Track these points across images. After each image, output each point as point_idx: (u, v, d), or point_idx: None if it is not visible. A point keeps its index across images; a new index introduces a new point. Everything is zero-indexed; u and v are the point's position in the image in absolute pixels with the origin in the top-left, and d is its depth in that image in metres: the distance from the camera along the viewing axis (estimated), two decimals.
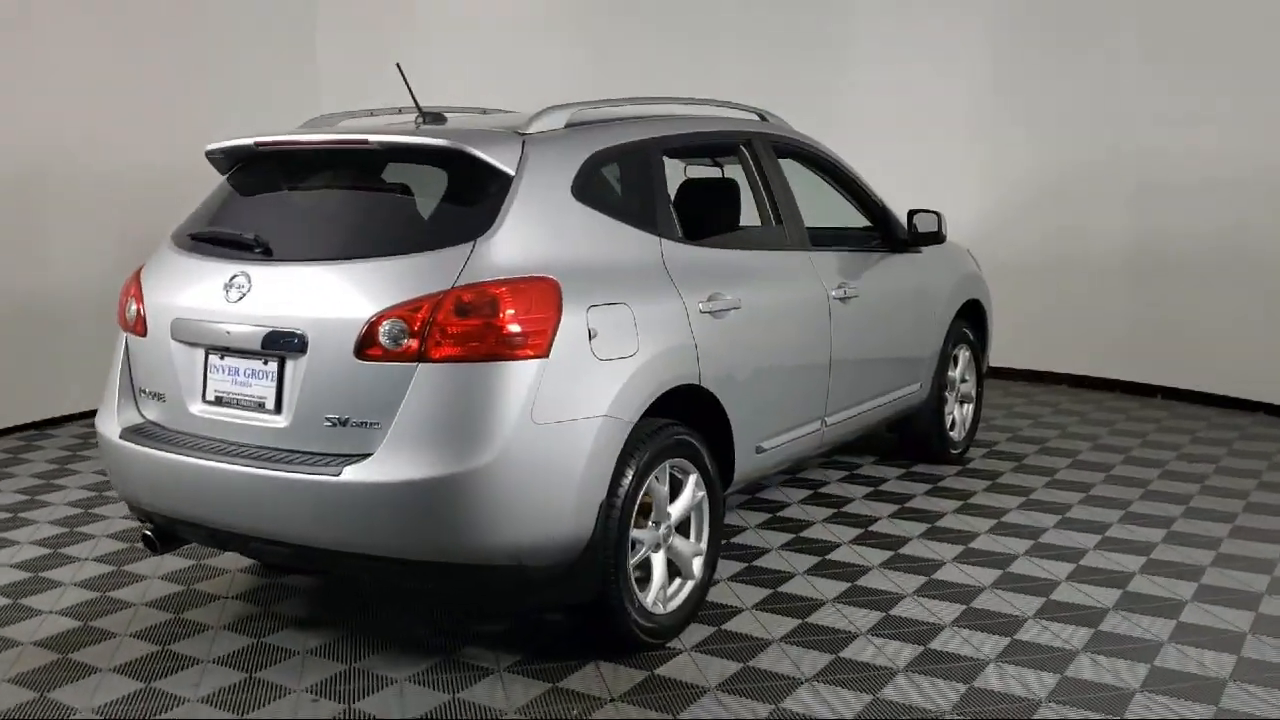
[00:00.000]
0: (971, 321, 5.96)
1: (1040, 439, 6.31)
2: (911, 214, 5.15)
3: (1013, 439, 6.31)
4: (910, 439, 5.72)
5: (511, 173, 3.31)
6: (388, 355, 3.07)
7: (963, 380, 5.86)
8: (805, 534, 4.63)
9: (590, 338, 3.22)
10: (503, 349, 3.06)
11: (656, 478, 3.50)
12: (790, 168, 4.81)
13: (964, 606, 3.90)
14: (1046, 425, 6.67)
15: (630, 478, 3.34)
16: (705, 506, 3.73)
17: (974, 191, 8.06)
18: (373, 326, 3.08)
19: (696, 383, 3.64)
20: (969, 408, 5.94)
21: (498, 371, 3.05)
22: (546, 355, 3.11)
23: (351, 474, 3.05)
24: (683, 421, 3.64)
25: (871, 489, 5.28)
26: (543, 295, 3.15)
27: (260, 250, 3.38)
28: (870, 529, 4.70)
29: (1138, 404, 7.37)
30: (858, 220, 5.29)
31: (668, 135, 3.94)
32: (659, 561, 3.57)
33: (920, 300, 5.32)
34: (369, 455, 3.06)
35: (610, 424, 3.24)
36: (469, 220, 3.23)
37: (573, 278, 3.26)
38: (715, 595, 3.92)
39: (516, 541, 3.10)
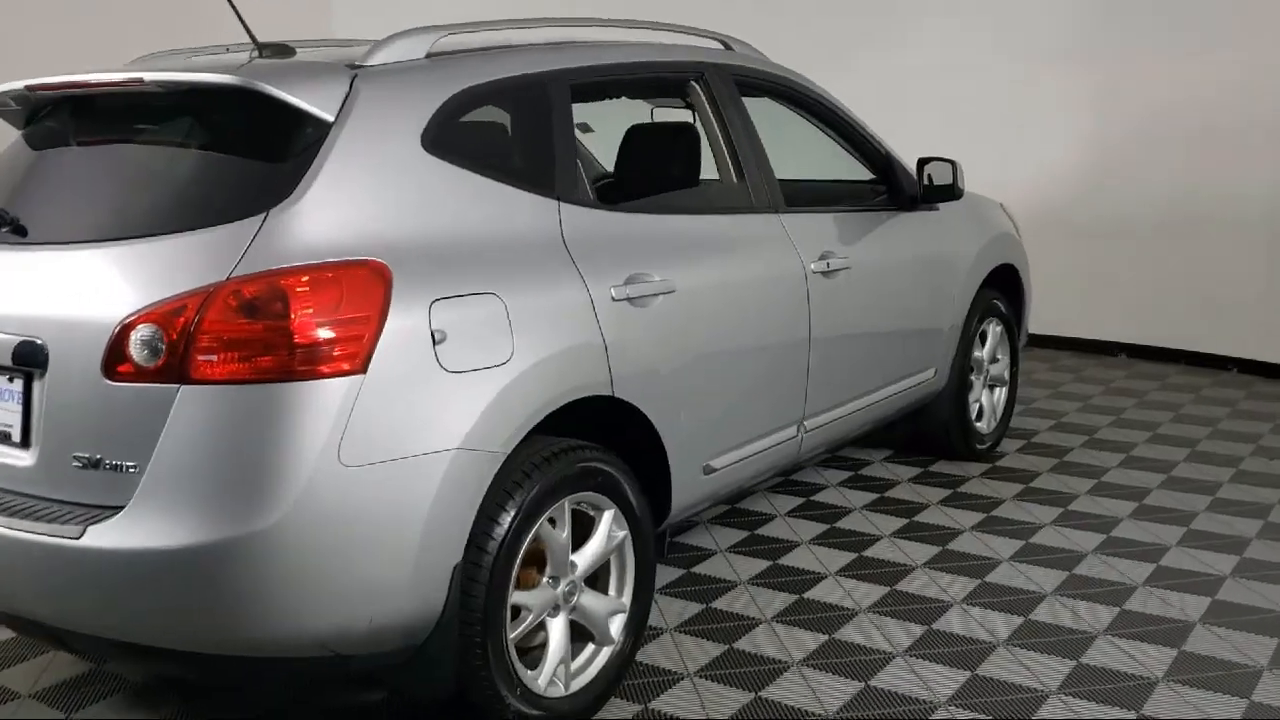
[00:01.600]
0: (1004, 290, 5.00)
1: (1089, 427, 5.34)
2: (922, 164, 4.19)
3: (1055, 427, 5.35)
4: (926, 434, 4.79)
5: (330, 119, 2.43)
6: (141, 374, 2.23)
7: (993, 361, 4.91)
8: (785, 560, 3.75)
9: (435, 342, 2.36)
10: (297, 364, 2.21)
11: (552, 520, 2.66)
12: (766, 111, 3.89)
13: (969, 674, 3.01)
14: (1097, 409, 5.69)
15: (506, 526, 2.49)
16: (629, 550, 2.88)
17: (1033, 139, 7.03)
18: (122, 335, 2.25)
19: (608, 392, 2.77)
20: (1001, 393, 4.99)
21: (288, 396, 2.20)
22: (363, 370, 2.25)
23: (94, 536, 2.22)
24: (597, 442, 2.80)
25: (876, 496, 4.37)
26: (360, 286, 2.29)
27: (8, 229, 2.55)
28: (865, 553, 3.80)
29: (1208, 379, 6.34)
30: (857, 174, 4.36)
31: (578, 67, 3.03)
32: (558, 628, 2.73)
33: (935, 268, 4.37)
34: (121, 509, 2.25)
35: (467, 459, 2.39)
36: (266, 185, 2.36)
37: (412, 260, 2.39)
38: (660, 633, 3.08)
39: (323, 626, 2.27)
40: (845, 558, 3.76)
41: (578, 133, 4.81)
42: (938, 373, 4.46)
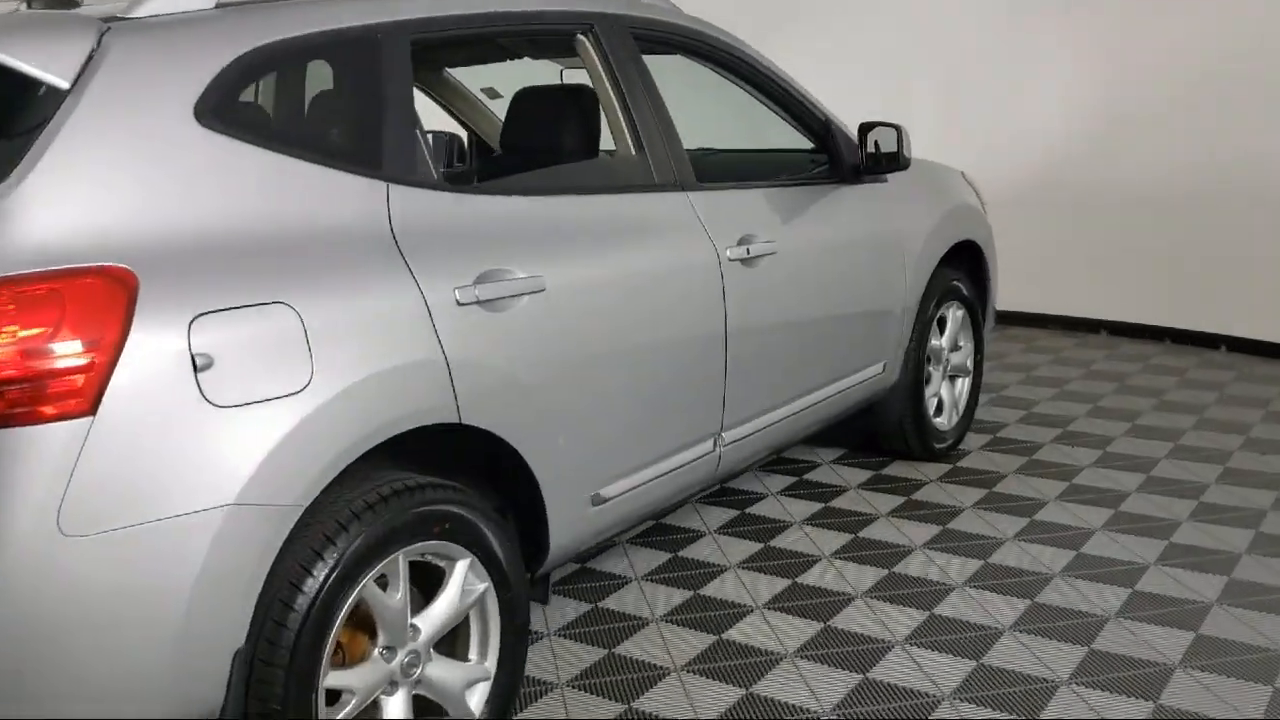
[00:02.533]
0: (966, 270, 4.50)
1: (1064, 417, 4.85)
2: (864, 130, 3.67)
3: (1026, 419, 4.85)
4: (876, 434, 4.30)
5: (65, 85, 1.91)
6: None
7: (954, 349, 4.41)
8: (707, 591, 3.24)
9: (198, 369, 1.85)
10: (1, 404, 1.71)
11: (385, 578, 2.16)
12: (682, 71, 3.37)
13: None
14: (1075, 396, 5.19)
15: (311, 595, 1.99)
16: (492, 605, 2.38)
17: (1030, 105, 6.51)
18: None
19: (453, 418, 2.26)
20: (964, 384, 4.49)
21: None
22: (91, 411, 1.74)
23: None
24: (463, 472, 2.31)
25: (820, 505, 3.87)
26: (90, 301, 1.78)
27: None
28: (799, 580, 3.30)
29: (1195, 360, 5.85)
30: (792, 143, 3.84)
31: (419, 19, 2.48)
32: (397, 708, 2.23)
33: (882, 248, 3.85)
34: None
35: (247, 518, 1.88)
36: None
37: (170, 265, 1.87)
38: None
39: None
40: (775, 585, 3.26)
41: (485, 99, 4.35)
42: (887, 366, 3.95)
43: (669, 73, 3.28)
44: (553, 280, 2.47)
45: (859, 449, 4.43)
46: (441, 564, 2.30)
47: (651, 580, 3.33)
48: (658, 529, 3.66)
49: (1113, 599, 3.14)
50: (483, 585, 2.35)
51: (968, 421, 4.48)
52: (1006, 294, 6.48)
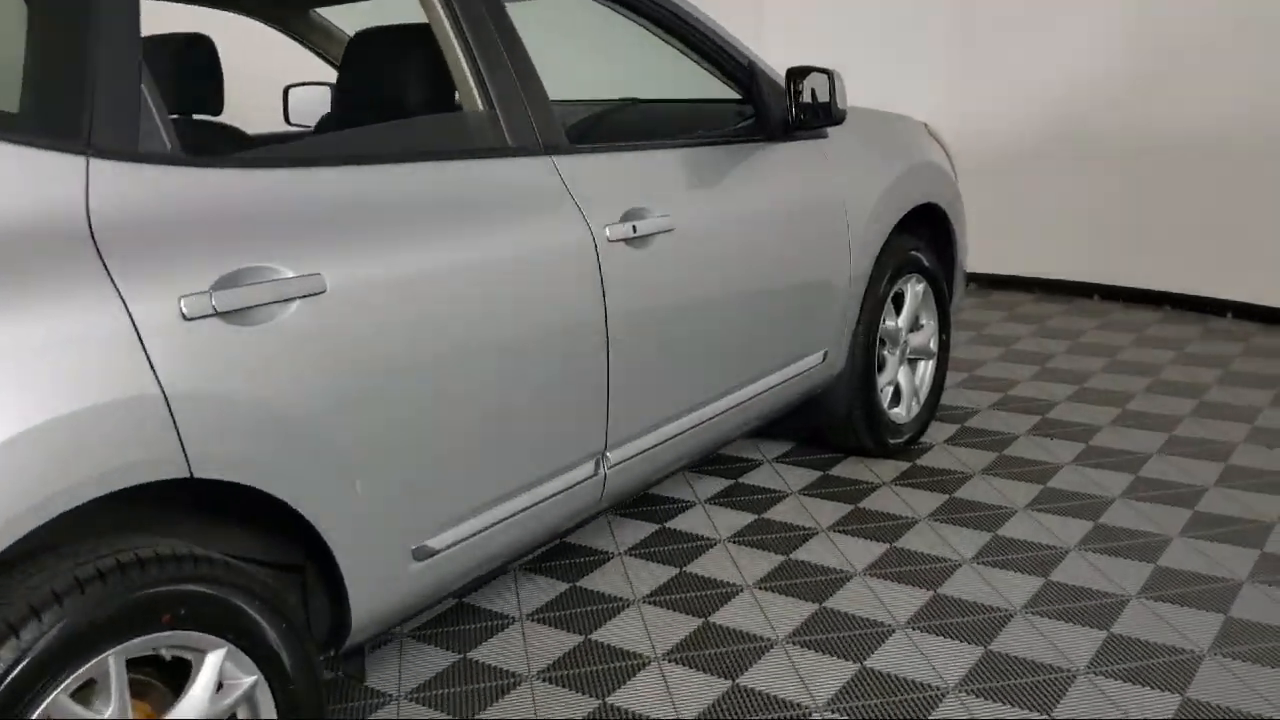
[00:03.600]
0: (929, 239, 3.92)
1: (1045, 401, 4.27)
2: (792, 76, 3.06)
3: (1001, 403, 4.28)
4: (819, 430, 3.74)
5: None
6: None
7: (914, 328, 3.84)
8: (606, 633, 2.71)
9: None
10: None
11: (96, 686, 1.62)
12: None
13: None
14: (1059, 374, 4.61)
15: None
16: (264, 703, 1.83)
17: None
18: None
19: (180, 472, 1.70)
20: (926, 368, 3.91)
21: None
22: None
23: None
24: (220, 529, 1.77)
25: (752, 517, 3.32)
26: None
27: None
28: (712, 619, 2.76)
29: (1198, 329, 5.26)
30: (712, 94, 3.24)
31: None
32: None
33: (821, 217, 3.26)
34: None
35: None
36: None
37: None
38: None
39: None
40: (684, 625, 2.72)
41: None
42: (829, 355, 3.38)
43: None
44: (337, 278, 1.90)
45: (808, 443, 3.87)
46: (189, 656, 1.76)
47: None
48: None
49: (1085, 645, 2.59)
50: (249, 679, 1.80)
51: (931, 411, 3.92)
52: (990, 255, 5.91)
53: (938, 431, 3.98)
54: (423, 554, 2.12)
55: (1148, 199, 5.54)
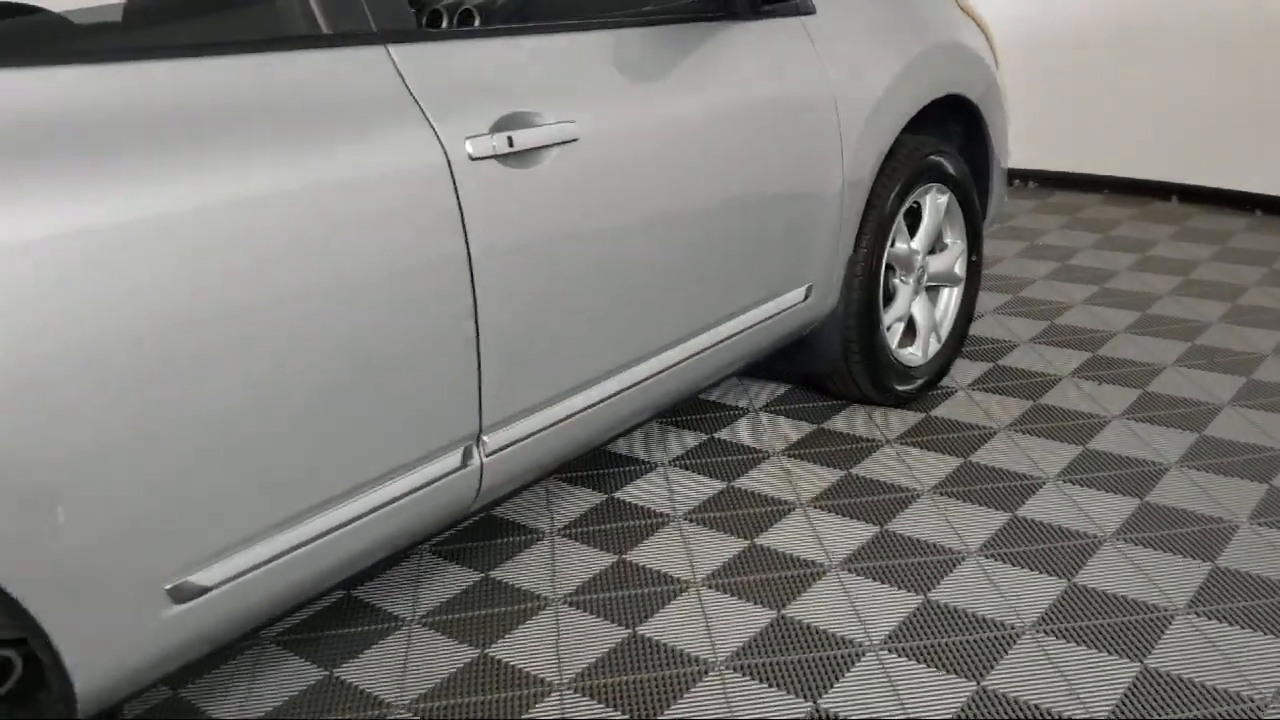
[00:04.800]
0: (956, 139, 3.22)
1: (1099, 333, 3.58)
2: None
3: (1047, 333, 3.59)
4: (811, 375, 3.12)
5: None
6: None
7: (935, 250, 3.17)
8: (496, 653, 2.19)
9: None
10: None
11: None
12: None
13: None
14: (1120, 296, 3.90)
15: None
16: None
17: None
18: None
19: None
20: (951, 296, 3.25)
21: None
22: None
23: None
24: None
25: (722, 485, 2.74)
26: None
27: None
28: (640, 629, 2.21)
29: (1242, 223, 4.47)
30: None
31: None
32: None
33: (801, 116, 2.57)
34: None
35: None
36: None
37: None
38: None
39: None
40: (576, 658, 2.17)
41: None
42: (815, 290, 2.74)
43: None
44: (20, 228, 1.33)
45: (806, 386, 3.25)
46: None
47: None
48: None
49: (1127, 655, 1.98)
50: None
51: (956, 347, 3.26)
52: (1051, 150, 5.15)
53: (964, 372, 3.33)
54: (185, 594, 1.57)
55: (1232, 88, 4.70)
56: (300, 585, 1.76)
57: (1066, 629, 2.13)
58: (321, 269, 1.64)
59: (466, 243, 1.84)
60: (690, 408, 3.16)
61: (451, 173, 1.81)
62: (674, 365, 2.35)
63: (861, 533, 2.50)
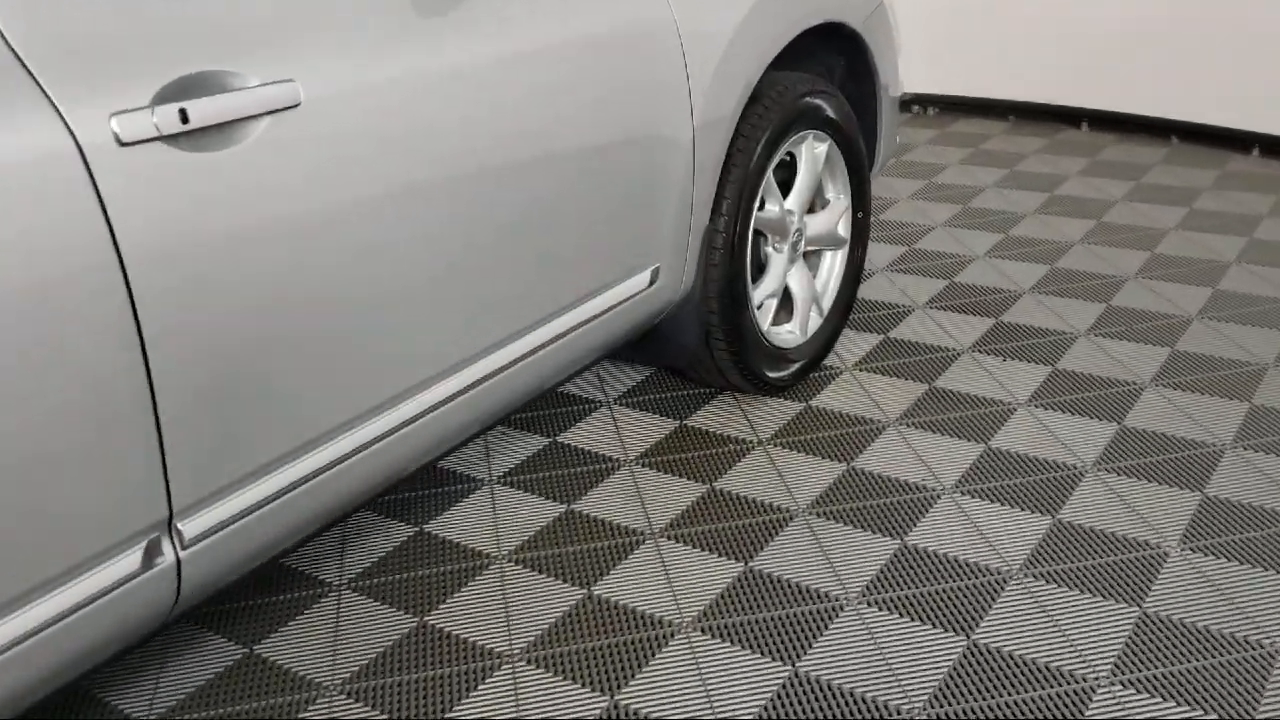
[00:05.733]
0: (836, 75, 2.72)
1: (1006, 292, 3.14)
2: None
3: (946, 294, 3.14)
4: (672, 361, 2.63)
5: None
6: None
7: (813, 209, 2.68)
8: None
9: None
10: None
11: None
12: None
13: None
14: (1026, 246, 3.46)
15: None
16: None
17: None
18: None
19: None
20: (834, 260, 2.77)
21: None
22: None
23: None
24: None
25: (561, 509, 2.24)
26: None
27: None
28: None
29: (1213, 173, 4.07)
30: None
31: None
32: None
33: (629, 55, 2.03)
34: None
35: None
36: None
37: None
38: None
39: None
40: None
41: None
42: (660, 274, 2.23)
43: None
44: None
45: (670, 372, 2.77)
46: None
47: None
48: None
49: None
50: None
51: (840, 320, 2.78)
52: (952, 74, 4.70)
53: (849, 347, 2.87)
54: None
55: (1146, 4, 4.27)
56: None
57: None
58: None
59: (120, 260, 1.29)
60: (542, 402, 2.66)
61: (86, 164, 1.25)
62: (460, 394, 1.82)
63: (723, 572, 2.03)
